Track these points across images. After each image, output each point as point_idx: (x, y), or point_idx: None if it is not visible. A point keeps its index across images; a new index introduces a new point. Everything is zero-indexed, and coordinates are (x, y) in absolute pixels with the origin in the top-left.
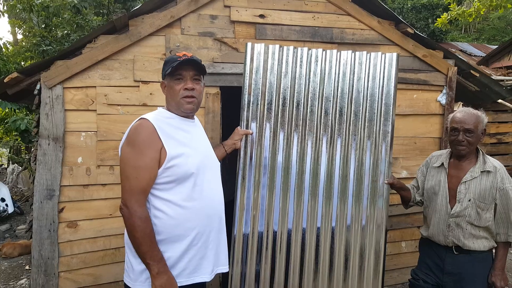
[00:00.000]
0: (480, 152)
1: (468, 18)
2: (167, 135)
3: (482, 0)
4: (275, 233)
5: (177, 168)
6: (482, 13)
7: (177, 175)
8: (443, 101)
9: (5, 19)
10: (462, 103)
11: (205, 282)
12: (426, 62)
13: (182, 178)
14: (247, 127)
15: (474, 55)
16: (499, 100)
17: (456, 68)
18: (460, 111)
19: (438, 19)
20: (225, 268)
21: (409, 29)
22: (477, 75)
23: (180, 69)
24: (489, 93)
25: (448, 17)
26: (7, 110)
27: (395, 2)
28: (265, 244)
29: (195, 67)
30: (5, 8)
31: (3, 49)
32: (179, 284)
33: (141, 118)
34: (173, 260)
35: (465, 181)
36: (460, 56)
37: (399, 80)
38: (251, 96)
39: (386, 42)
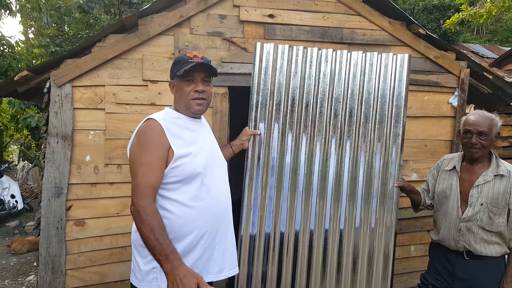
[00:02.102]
0: (494, 155)
1: (479, 19)
2: (174, 135)
3: (494, 1)
4: (282, 234)
5: (184, 167)
6: (494, 14)
7: (184, 174)
8: (455, 103)
9: (17, 19)
10: (474, 105)
11: (211, 282)
12: (438, 63)
13: (189, 178)
14: (255, 128)
15: (487, 57)
16: None
17: (468, 70)
18: (474, 114)
19: (447, 20)
20: (234, 271)
21: (420, 30)
22: (490, 77)
23: (191, 71)
24: (502, 96)
25: (459, 18)
26: (15, 109)
27: (406, 3)
28: (272, 245)
29: (206, 69)
30: (17, 7)
31: (16, 48)
32: None
33: (149, 118)
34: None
35: (478, 185)
36: (472, 58)
37: (410, 82)
38: (260, 96)
39: (397, 43)
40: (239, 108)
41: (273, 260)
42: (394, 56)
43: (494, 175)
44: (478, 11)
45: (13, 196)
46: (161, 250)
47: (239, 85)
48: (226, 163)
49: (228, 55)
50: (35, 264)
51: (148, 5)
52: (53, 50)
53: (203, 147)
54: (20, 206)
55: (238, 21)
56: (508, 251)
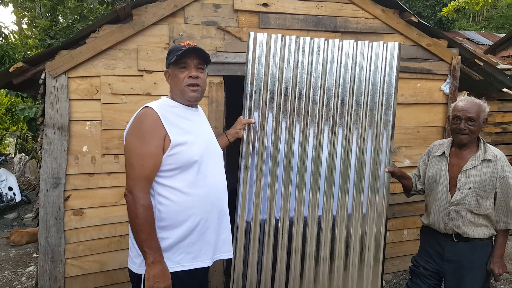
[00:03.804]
0: (481, 141)
1: (475, 6)
2: (171, 123)
3: None
4: (277, 221)
5: (181, 155)
6: (490, 0)
7: (180, 162)
8: (447, 90)
9: (9, 9)
10: (466, 92)
11: (208, 267)
12: (430, 51)
13: (186, 166)
14: (249, 117)
15: (482, 44)
16: (504, 89)
17: (460, 57)
18: (462, 100)
19: (444, 8)
20: (229, 254)
21: (413, 18)
22: (481, 64)
23: (184, 57)
24: (493, 82)
25: (456, 6)
26: (13, 99)
27: None
28: (267, 232)
29: (199, 55)
30: None
31: (10, 39)
32: (182, 268)
33: (145, 106)
34: (177, 245)
35: (466, 170)
36: (466, 45)
37: (402, 69)
38: (254, 86)
39: (390, 31)
40: (234, 98)
41: (269, 246)
42: (385, 45)
43: (482, 160)
44: None
45: (10, 189)
46: (150, 244)
47: (234, 74)
48: (222, 152)
49: (223, 44)
50: (34, 255)
51: None
52: (50, 42)
53: (200, 136)
54: (18, 198)
55: (233, 10)
56: (495, 233)
